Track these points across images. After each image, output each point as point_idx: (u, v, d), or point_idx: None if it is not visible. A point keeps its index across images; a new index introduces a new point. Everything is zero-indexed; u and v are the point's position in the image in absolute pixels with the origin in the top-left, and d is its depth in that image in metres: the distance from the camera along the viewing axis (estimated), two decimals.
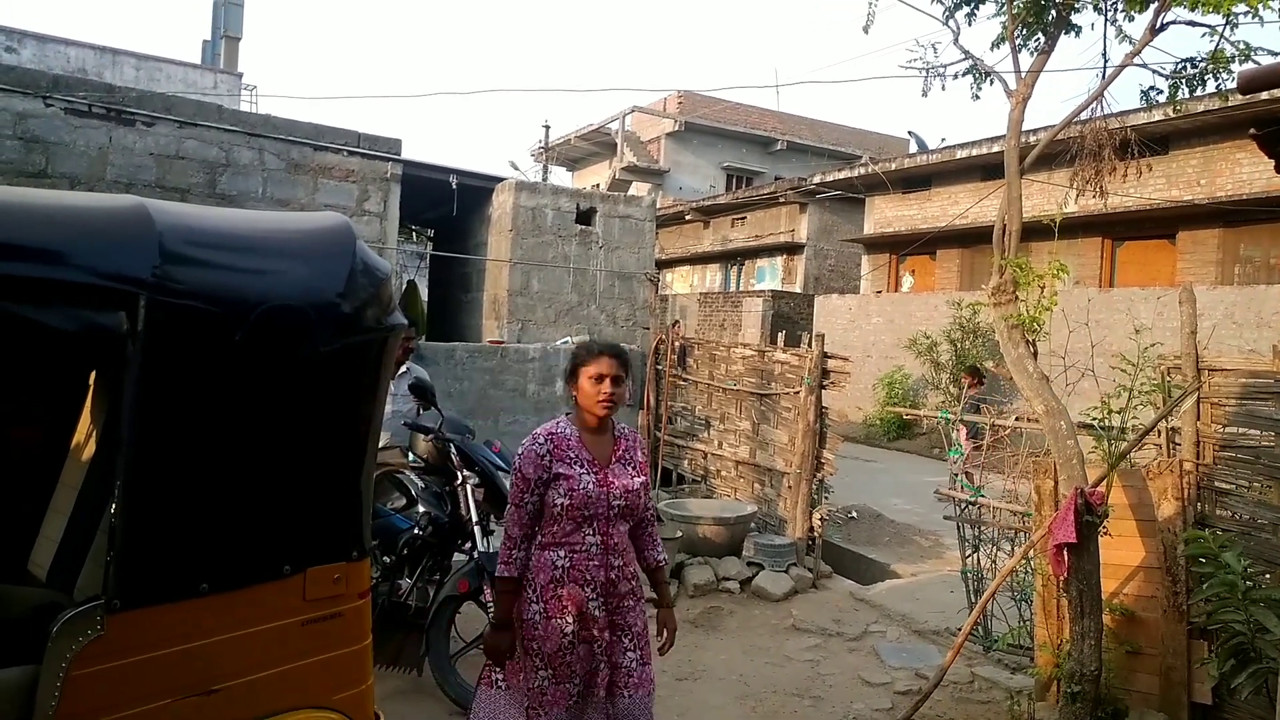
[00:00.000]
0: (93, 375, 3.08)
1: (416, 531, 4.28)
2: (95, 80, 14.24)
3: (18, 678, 1.99)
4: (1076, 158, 6.09)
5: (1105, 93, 4.71)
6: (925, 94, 5.23)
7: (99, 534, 2.69)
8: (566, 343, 10.09)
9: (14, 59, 19.27)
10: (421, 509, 4.39)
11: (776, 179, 26.55)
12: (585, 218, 11.46)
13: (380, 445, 3.77)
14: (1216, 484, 4.23)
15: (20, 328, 1.94)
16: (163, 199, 8.09)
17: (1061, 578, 4.00)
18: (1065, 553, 3.85)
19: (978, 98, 5.16)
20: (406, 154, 9.98)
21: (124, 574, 2.08)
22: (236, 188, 8.78)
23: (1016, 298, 4.36)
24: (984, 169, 17.57)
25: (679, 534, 6.30)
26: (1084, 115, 4.84)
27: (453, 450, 4.37)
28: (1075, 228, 14.59)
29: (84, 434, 3.02)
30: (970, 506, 5.20)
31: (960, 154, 17.87)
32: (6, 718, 1.98)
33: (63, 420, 3.07)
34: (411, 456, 4.72)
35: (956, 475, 5.29)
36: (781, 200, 23.43)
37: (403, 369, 5.23)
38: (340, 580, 2.48)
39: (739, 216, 25.53)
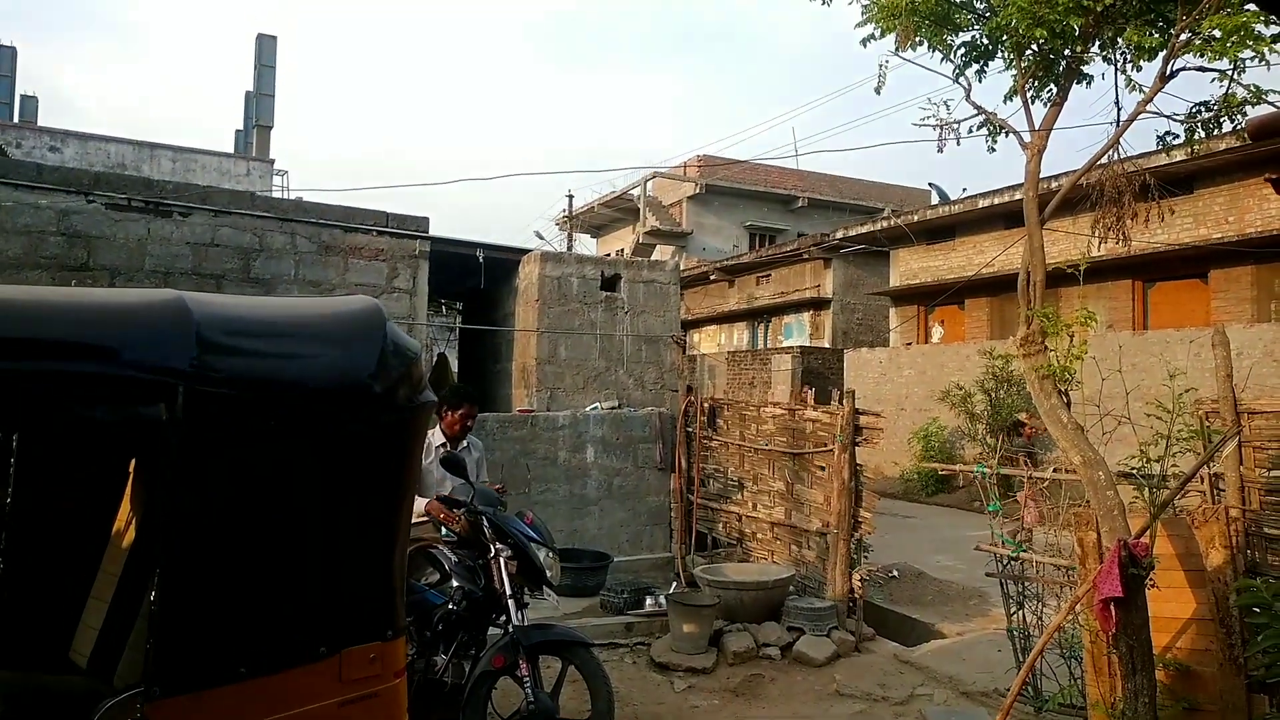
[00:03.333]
0: (132, 463, 3.15)
1: (450, 607, 4.27)
2: (134, 175, 14.79)
3: None
4: (1097, 203, 6.10)
5: (1120, 140, 4.74)
6: (941, 150, 5.28)
7: (139, 621, 2.73)
8: (596, 409, 10.12)
9: (58, 158, 20.09)
10: (455, 583, 4.38)
11: (799, 235, 26.75)
12: (610, 284, 11.58)
13: (413, 520, 3.80)
14: (1265, 530, 4.13)
15: (66, 420, 2.00)
16: (199, 286, 8.32)
17: (1110, 633, 3.88)
18: (1112, 607, 3.75)
19: (993, 150, 5.20)
20: (434, 230, 10.19)
21: (163, 661, 2.10)
22: (270, 271, 9.00)
23: (1045, 348, 4.34)
24: (1007, 217, 17.58)
25: (717, 600, 6.21)
26: (1101, 161, 4.86)
27: (485, 523, 4.38)
28: (1105, 271, 14.49)
29: (124, 521, 3.08)
30: (1013, 562, 5.09)
31: (982, 203, 17.92)
32: None
33: (104, 508, 3.13)
34: (444, 531, 4.74)
35: (1016, 540, 5.11)
36: (805, 256, 23.56)
37: (464, 443, 5.22)
38: (376, 660, 2.48)
39: (763, 274, 25.67)
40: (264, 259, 8.99)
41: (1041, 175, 4.59)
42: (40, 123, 24.03)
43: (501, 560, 4.27)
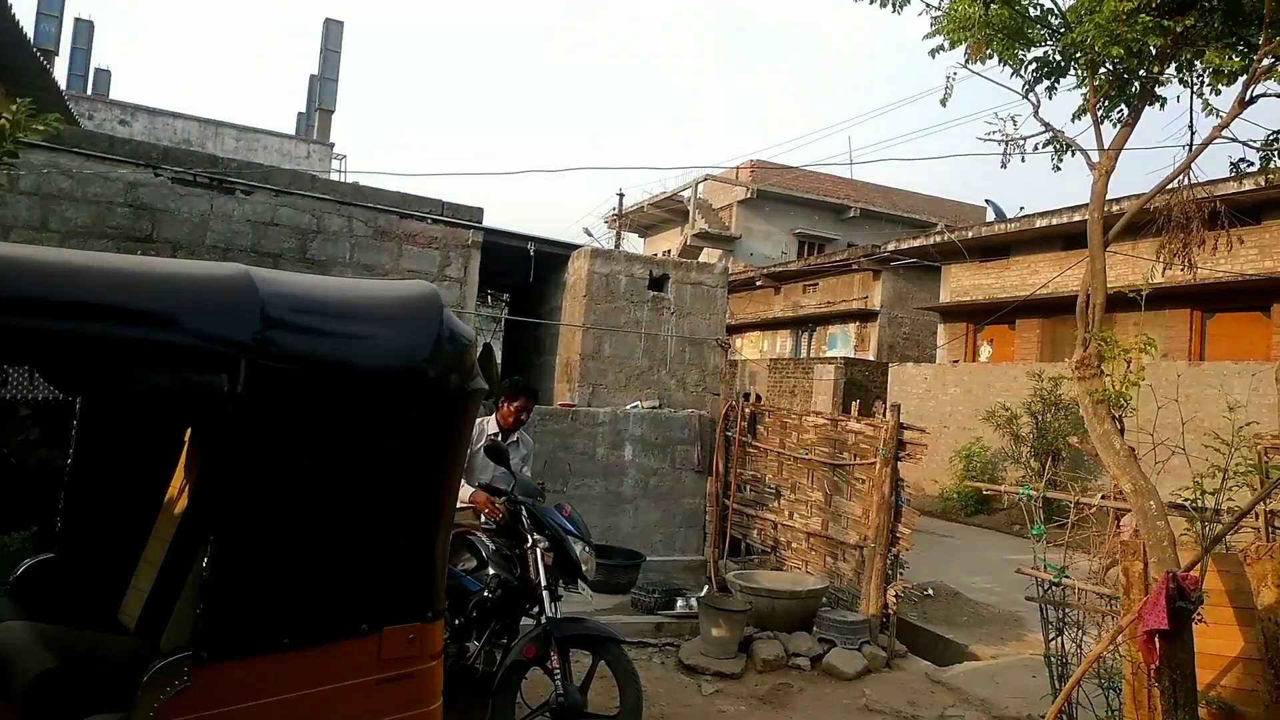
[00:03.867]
0: (189, 432, 3.23)
1: (486, 594, 4.30)
2: (199, 151, 15.11)
3: None
4: (1163, 229, 5.95)
5: (1192, 165, 4.63)
6: (1005, 165, 5.19)
7: (187, 587, 2.79)
8: (636, 407, 10.13)
9: (127, 131, 20.63)
10: (491, 571, 4.42)
11: (849, 246, 26.51)
12: (658, 284, 11.59)
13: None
14: None
15: (129, 386, 2.05)
16: (257, 263, 8.47)
17: (1153, 666, 3.79)
18: (1157, 640, 3.66)
19: (1059, 169, 5.11)
20: (487, 221, 10.29)
21: (211, 627, 2.14)
22: (326, 253, 9.15)
23: (1101, 372, 4.25)
24: (1065, 238, 17.25)
25: (749, 606, 6.18)
26: (1170, 186, 4.75)
27: (524, 513, 4.41)
28: (1163, 299, 14.16)
29: (178, 488, 3.15)
30: (1054, 587, 4.99)
31: (1040, 223, 17.60)
32: None
33: (159, 474, 3.21)
34: (483, 518, 4.77)
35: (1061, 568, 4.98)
36: (855, 267, 23.34)
37: (514, 436, 5.23)
38: (415, 640, 2.51)
39: (811, 283, 25.48)
40: (321, 241, 9.14)
41: (1106, 198, 4.50)
42: (112, 96, 24.69)
43: (538, 551, 4.30)
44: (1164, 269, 5.79)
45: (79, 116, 16.89)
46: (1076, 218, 16.32)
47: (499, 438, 5.07)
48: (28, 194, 7.85)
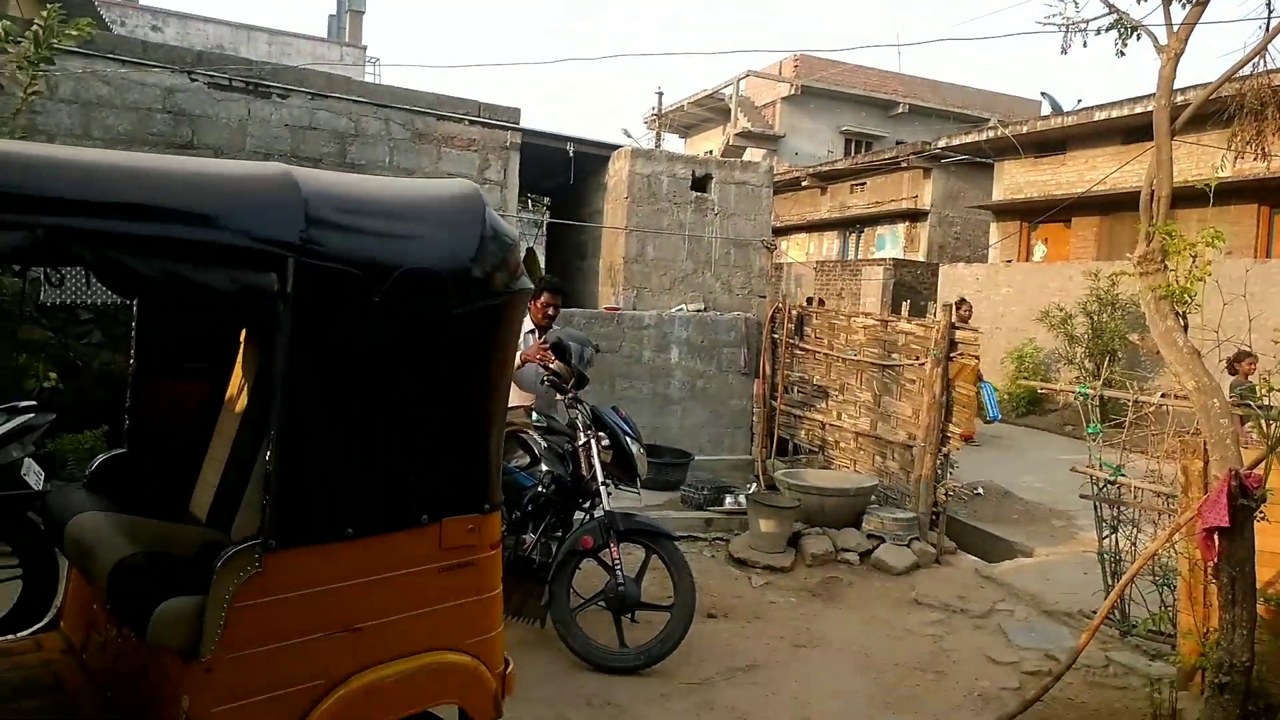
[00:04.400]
0: (243, 333, 3.27)
1: (539, 489, 4.40)
2: (233, 55, 14.96)
3: (190, 606, 2.14)
4: (1234, 117, 5.63)
5: (1269, 46, 4.33)
6: (1065, 51, 4.90)
7: (253, 480, 2.86)
8: (682, 310, 10.08)
9: (160, 37, 20.45)
10: (544, 467, 4.50)
11: (898, 143, 25.65)
12: (701, 184, 11.37)
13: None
14: None
15: (183, 287, 2.05)
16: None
17: (1211, 563, 3.76)
18: (1216, 537, 3.62)
19: (1123, 54, 4.82)
20: (524, 123, 10.11)
21: (278, 517, 2.20)
22: (365, 157, 9.08)
23: (1165, 267, 4.09)
24: (1125, 131, 16.49)
25: (797, 503, 6.24)
26: (1244, 71, 4.46)
27: (585, 409, 4.47)
28: (1228, 194, 13.54)
29: (236, 387, 3.21)
30: (1109, 485, 4.94)
31: (1099, 115, 16.81)
32: (180, 642, 2.13)
33: (218, 373, 3.27)
34: (535, 417, 4.83)
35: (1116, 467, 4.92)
36: (904, 165, 22.63)
37: (547, 334, 5.25)
38: (474, 531, 2.57)
39: (858, 182, 24.83)
40: (359, 144, 9.07)
41: (1173, 86, 4.23)
42: (142, 2, 24.40)
43: (596, 447, 4.36)
44: (1234, 159, 5.50)
45: (110, 23, 16.76)
46: (1138, 109, 15.54)
47: (535, 334, 5.09)
48: (67, 101, 7.85)
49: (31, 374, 5.58)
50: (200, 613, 2.11)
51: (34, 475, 3.97)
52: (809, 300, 8.59)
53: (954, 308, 9.34)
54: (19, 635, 3.03)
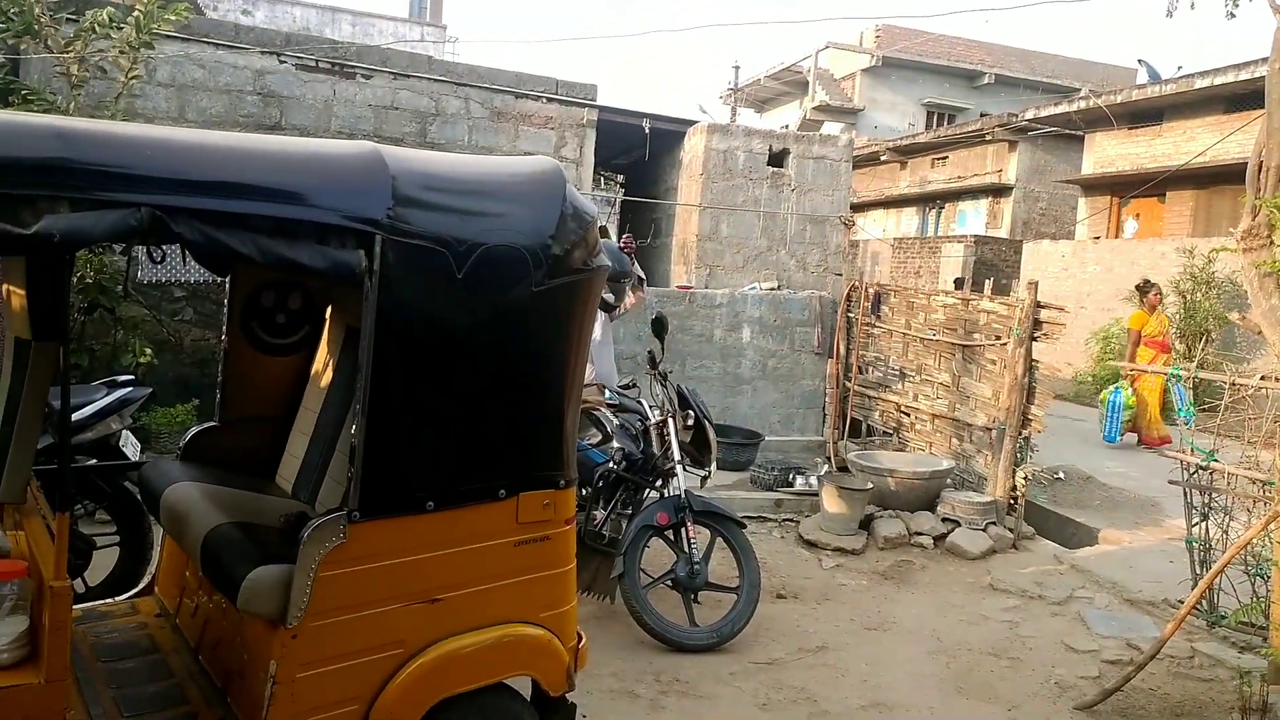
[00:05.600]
0: (328, 310, 3.37)
1: (611, 466, 4.44)
2: (320, 37, 15.31)
3: (278, 575, 2.23)
4: None
5: None
6: (1170, 14, 4.69)
7: (336, 454, 2.97)
8: (754, 289, 9.99)
9: (250, 20, 21.01)
10: (616, 445, 4.55)
11: (982, 115, 24.82)
12: (777, 160, 11.21)
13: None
14: None
15: (275, 263, 2.13)
16: None
17: None
18: None
19: (1234, 15, 4.59)
20: (600, 100, 10.11)
21: (363, 489, 2.28)
22: (445, 136, 9.22)
23: (1271, 242, 3.90)
24: (1228, 100, 15.65)
25: (869, 485, 6.17)
26: None
27: (671, 389, 4.52)
28: None
29: (321, 363, 3.32)
30: (1201, 471, 4.75)
31: (1200, 83, 15.97)
32: (268, 609, 2.23)
33: (303, 350, 3.38)
34: (608, 394, 4.88)
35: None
36: (988, 138, 21.92)
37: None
38: (549, 506, 2.62)
39: (939, 156, 24.14)
40: (439, 124, 9.21)
41: None
42: None
43: (676, 426, 4.39)
44: None
45: (204, 8, 17.28)
46: (1244, 76, 14.72)
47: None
48: (165, 85, 8.16)
49: (128, 350, 5.86)
50: (288, 581, 2.20)
51: (131, 447, 4.18)
52: (876, 296, 8.43)
53: (1141, 293, 10.08)
54: (117, 599, 3.21)
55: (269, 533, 2.56)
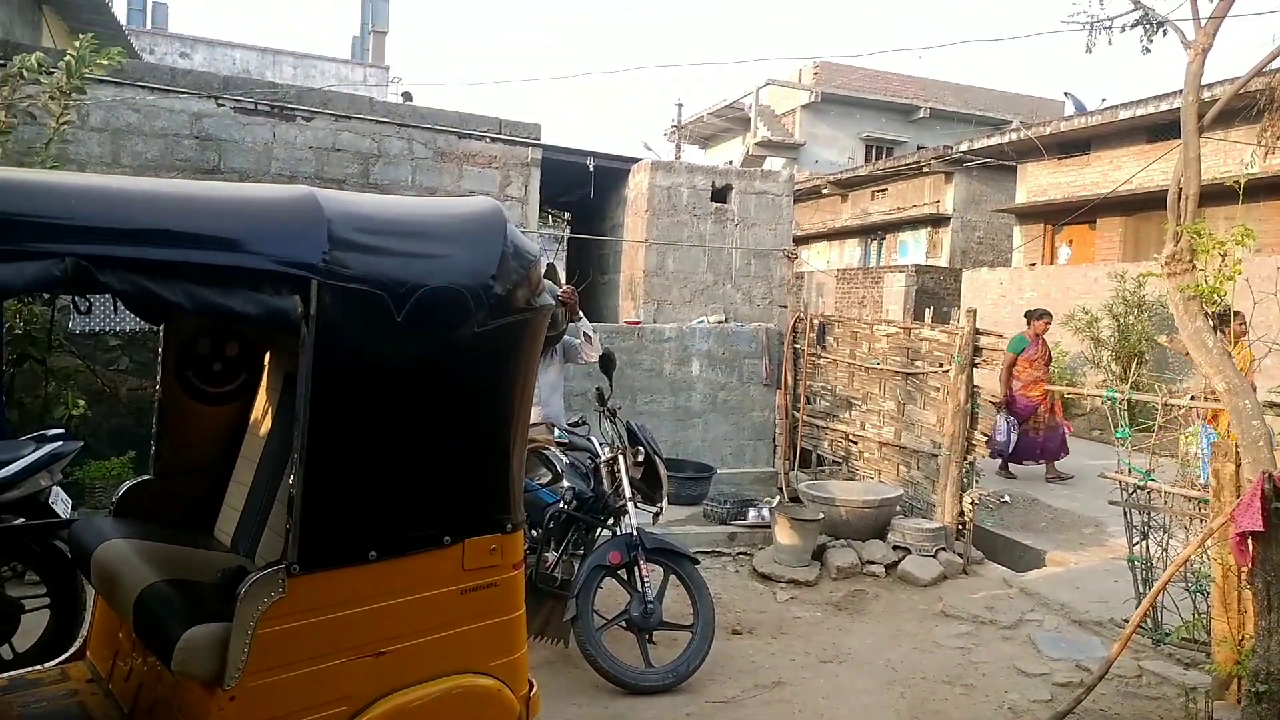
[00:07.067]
0: (267, 356, 3.30)
1: (562, 506, 4.40)
2: (259, 79, 15.18)
3: (214, 634, 2.16)
4: (1264, 112, 5.56)
5: None
6: (1089, 50, 4.87)
7: (276, 504, 2.89)
8: (702, 322, 10.07)
9: (188, 63, 20.81)
10: (566, 484, 4.51)
11: (919, 148, 25.52)
12: (721, 195, 11.38)
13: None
14: None
15: (208, 311, 2.08)
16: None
17: (1245, 568, 3.70)
18: (1250, 541, 3.56)
19: (1148, 51, 4.78)
20: (544, 140, 10.18)
21: (302, 541, 2.21)
22: (388, 176, 9.19)
23: (1194, 266, 4.04)
24: (1150, 130, 16.33)
25: (821, 515, 6.20)
26: (1273, 65, 4.41)
27: (620, 425, 4.51)
28: (1258, 190, 13.37)
29: (260, 411, 3.25)
30: (1139, 491, 4.87)
31: (1123, 114, 16.66)
32: (204, 670, 2.15)
33: (242, 397, 3.31)
34: (556, 433, 4.85)
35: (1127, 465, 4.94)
36: (925, 170, 22.53)
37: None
38: (496, 551, 2.57)
39: (879, 189, 24.73)
40: (382, 164, 9.17)
41: (1201, 82, 4.19)
42: (170, 29, 24.84)
43: (627, 463, 4.37)
44: (1264, 155, 5.43)
45: (140, 51, 17.07)
46: (1164, 106, 15.39)
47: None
48: (98, 130, 8.01)
49: (60, 402, 5.67)
50: (225, 640, 2.13)
51: (62, 503, 4.02)
52: (821, 326, 8.50)
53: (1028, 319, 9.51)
54: (46, 666, 3.06)
55: (205, 589, 2.47)
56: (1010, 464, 9.17)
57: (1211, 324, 4.00)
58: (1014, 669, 4.61)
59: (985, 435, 6.50)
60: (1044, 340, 9.27)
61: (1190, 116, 4.12)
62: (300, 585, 2.19)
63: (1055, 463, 9.13)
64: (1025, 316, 9.53)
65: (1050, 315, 9.47)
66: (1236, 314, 9.46)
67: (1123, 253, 16.88)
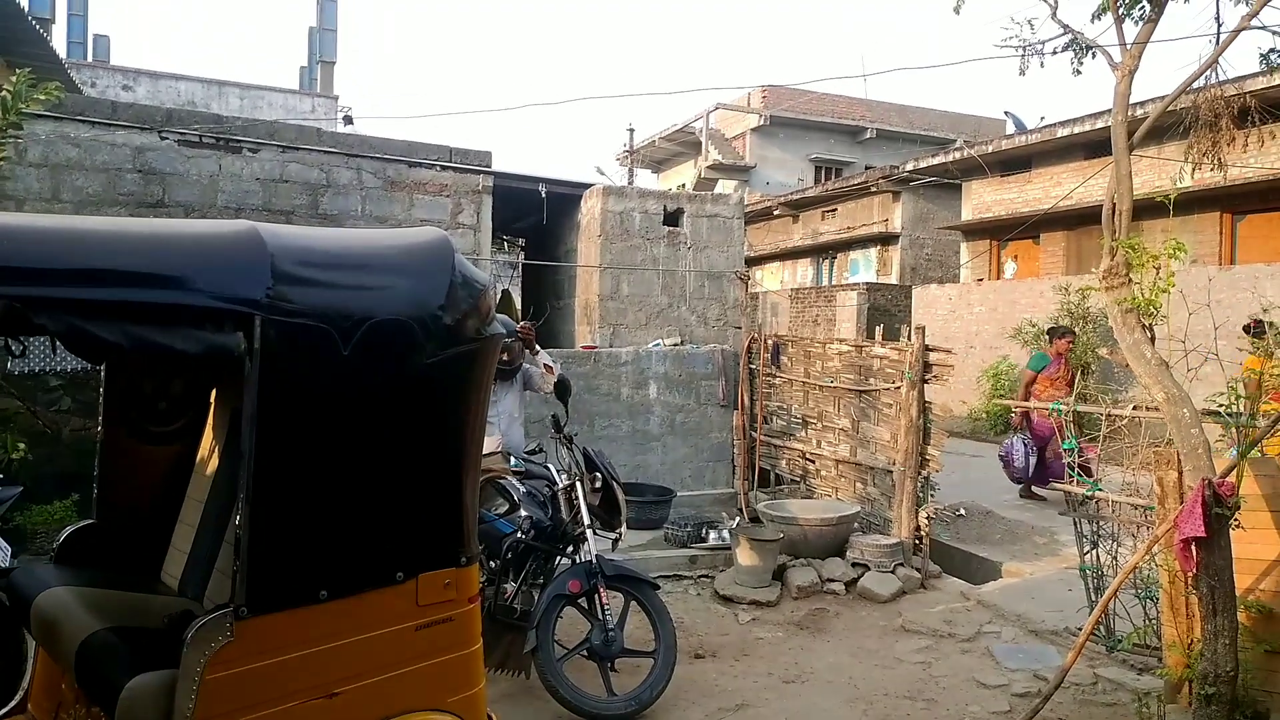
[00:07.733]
0: (213, 394, 3.24)
1: (519, 536, 4.36)
2: (204, 112, 15.00)
3: (160, 681, 2.10)
4: (1191, 129, 5.76)
5: (1220, 59, 4.45)
6: (1023, 73, 5.02)
7: (224, 545, 2.83)
8: (658, 345, 10.10)
9: (131, 96, 20.48)
10: (524, 513, 4.47)
11: (867, 168, 26.00)
12: (673, 219, 11.45)
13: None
14: None
15: (149, 351, 2.04)
16: (269, 221, 8.46)
17: (1190, 574, 3.79)
18: (1194, 547, 3.65)
19: (1079, 73, 4.94)
20: (496, 166, 10.17)
21: (250, 582, 2.17)
22: (337, 207, 9.10)
23: (1130, 280, 4.16)
24: (1087, 147, 16.81)
25: (781, 535, 6.22)
26: (1198, 83, 4.58)
27: (577, 452, 4.50)
28: (1190, 203, 13.82)
29: (207, 449, 3.18)
30: (1087, 500, 4.97)
31: (1061, 133, 17.15)
32: (151, 718, 2.09)
33: (187, 437, 3.24)
34: (513, 462, 4.82)
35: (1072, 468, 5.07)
36: (873, 190, 22.93)
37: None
38: (450, 585, 2.54)
39: (829, 209, 25.10)
40: (331, 195, 9.09)
41: (1131, 101, 4.34)
42: (113, 62, 24.46)
43: (585, 490, 4.35)
44: (1193, 170, 5.62)
45: (81, 84, 16.75)
46: (1099, 124, 15.86)
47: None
48: (36, 165, 7.84)
49: None
50: (171, 687, 2.07)
51: (0, 551, 3.90)
52: (775, 346, 8.56)
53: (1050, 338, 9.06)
54: None
55: (151, 636, 2.41)
56: (1035, 487, 8.85)
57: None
58: (974, 681, 4.65)
59: (1001, 458, 6.49)
60: (1067, 360, 8.82)
61: (1120, 135, 4.27)
62: (249, 628, 2.15)
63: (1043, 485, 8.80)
64: (1047, 334, 9.13)
65: (1074, 334, 8.95)
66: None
67: (1066, 266, 17.30)
